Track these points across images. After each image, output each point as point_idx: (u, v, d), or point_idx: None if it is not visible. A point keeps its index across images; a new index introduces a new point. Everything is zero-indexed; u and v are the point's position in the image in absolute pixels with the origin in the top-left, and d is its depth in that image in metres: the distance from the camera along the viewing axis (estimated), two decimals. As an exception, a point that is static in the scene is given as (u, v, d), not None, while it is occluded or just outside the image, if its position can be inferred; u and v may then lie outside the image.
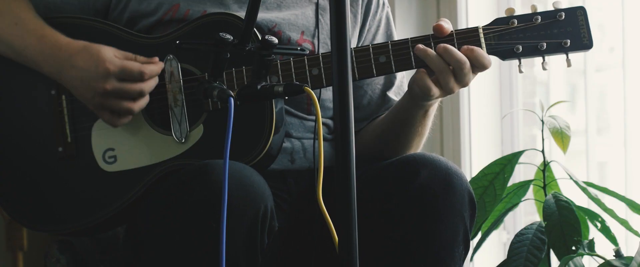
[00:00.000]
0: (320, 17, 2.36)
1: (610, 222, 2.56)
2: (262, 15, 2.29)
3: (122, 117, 2.20)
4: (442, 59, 2.16)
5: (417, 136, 2.34)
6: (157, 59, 2.20)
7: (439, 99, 2.29)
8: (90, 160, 2.25)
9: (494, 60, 2.26)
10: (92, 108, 2.20)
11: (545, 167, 2.62)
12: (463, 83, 2.17)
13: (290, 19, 2.34)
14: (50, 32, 2.24)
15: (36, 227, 2.29)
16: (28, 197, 2.28)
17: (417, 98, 2.22)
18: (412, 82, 2.20)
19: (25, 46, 2.23)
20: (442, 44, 2.16)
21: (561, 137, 2.57)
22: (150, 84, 2.19)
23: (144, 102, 2.20)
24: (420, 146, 2.40)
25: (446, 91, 2.18)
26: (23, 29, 2.24)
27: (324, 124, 2.37)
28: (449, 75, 2.16)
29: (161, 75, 2.23)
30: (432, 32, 2.20)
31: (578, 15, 2.20)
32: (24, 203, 2.28)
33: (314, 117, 2.34)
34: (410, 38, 2.20)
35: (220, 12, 2.25)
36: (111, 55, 2.18)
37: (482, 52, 2.16)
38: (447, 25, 2.20)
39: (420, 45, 2.17)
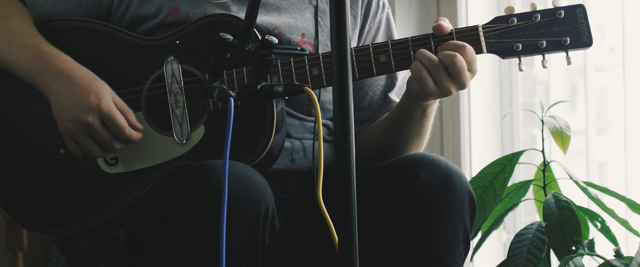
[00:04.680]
0: (320, 19, 2.36)
1: (610, 222, 2.56)
2: (262, 19, 2.30)
3: (83, 154, 2.20)
4: (438, 58, 2.16)
5: (415, 136, 2.34)
6: (142, 128, 2.20)
7: (438, 100, 2.29)
8: (92, 162, 2.25)
9: (493, 59, 2.27)
10: (62, 129, 2.19)
11: (545, 167, 2.62)
12: (459, 82, 2.16)
13: (290, 22, 2.34)
14: (49, 48, 2.23)
15: (37, 229, 2.29)
16: (29, 198, 2.28)
17: (415, 96, 2.22)
18: (411, 79, 2.20)
19: (21, 61, 2.22)
20: (427, 55, 2.16)
21: (561, 137, 2.57)
22: (119, 146, 2.19)
23: (106, 154, 2.20)
24: (421, 148, 2.39)
25: (442, 90, 2.17)
26: (18, 45, 2.24)
27: (324, 125, 2.38)
28: (442, 72, 2.15)
29: (163, 77, 2.23)
30: (432, 32, 2.21)
31: (577, 13, 2.20)
32: (25, 204, 2.28)
33: (314, 118, 2.34)
34: (410, 37, 2.21)
35: (220, 13, 2.25)
36: (109, 96, 2.18)
37: (463, 45, 2.16)
38: (447, 25, 2.20)
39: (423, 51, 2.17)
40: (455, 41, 2.17)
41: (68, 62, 2.21)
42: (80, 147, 2.20)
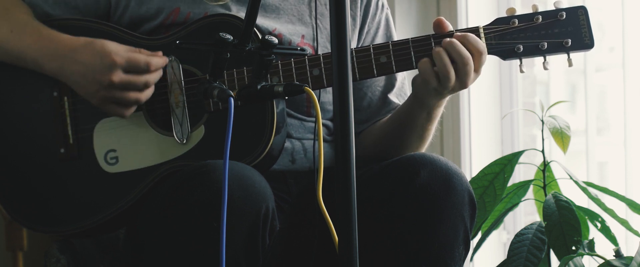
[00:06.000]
0: (319, 22, 2.37)
1: (610, 222, 2.56)
2: (261, 21, 2.30)
3: (129, 108, 2.20)
4: (447, 53, 2.16)
5: (417, 139, 2.34)
6: (160, 53, 2.20)
7: (443, 105, 2.30)
8: (92, 161, 2.25)
9: (494, 60, 2.27)
10: (96, 102, 2.19)
11: (545, 167, 2.62)
12: (462, 80, 2.17)
13: (289, 24, 2.34)
14: (49, 31, 2.24)
15: (37, 229, 2.29)
16: (29, 198, 2.28)
17: (419, 91, 2.22)
18: (417, 76, 2.20)
19: (24, 47, 2.23)
20: (447, 39, 2.17)
21: (561, 137, 2.57)
22: (155, 76, 2.19)
23: (150, 92, 2.20)
24: (422, 149, 2.39)
25: (442, 83, 2.17)
26: (20, 32, 2.24)
27: (323, 125, 2.38)
28: (449, 68, 2.16)
29: (162, 77, 2.23)
30: (432, 32, 2.21)
31: (579, 15, 2.20)
32: (25, 204, 2.28)
33: (313, 119, 2.34)
34: (411, 38, 2.21)
35: (220, 14, 2.25)
36: (116, 47, 2.18)
37: (473, 37, 2.16)
38: (447, 22, 2.21)
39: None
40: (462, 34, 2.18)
41: (64, 39, 2.21)
42: (122, 106, 2.19)
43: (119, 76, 2.16)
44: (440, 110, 2.31)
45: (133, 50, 2.19)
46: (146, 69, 2.17)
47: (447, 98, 2.28)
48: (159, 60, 2.19)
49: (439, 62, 2.16)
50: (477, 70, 2.19)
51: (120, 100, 2.18)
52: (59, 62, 2.20)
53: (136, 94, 2.18)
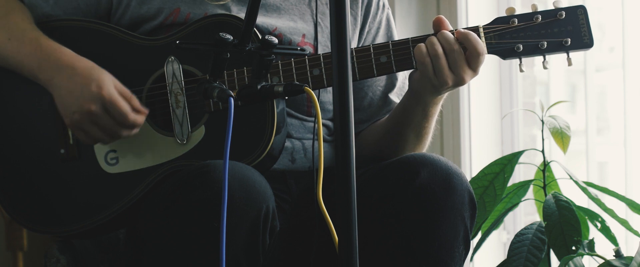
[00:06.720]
0: (320, 20, 2.37)
1: (610, 222, 2.56)
2: (262, 20, 2.30)
3: (92, 142, 2.21)
4: (439, 42, 2.17)
5: (414, 137, 2.33)
6: (146, 111, 2.19)
7: (439, 103, 2.29)
8: (92, 161, 2.25)
9: (494, 60, 2.27)
10: (68, 122, 2.19)
11: (545, 167, 2.62)
12: (456, 72, 2.17)
13: (290, 23, 2.34)
14: (49, 42, 2.24)
15: (37, 229, 2.29)
16: (30, 198, 2.28)
17: (415, 86, 2.22)
18: (413, 72, 2.21)
19: (21, 56, 2.23)
20: (443, 31, 2.18)
21: (561, 137, 2.57)
22: (125, 133, 2.18)
23: (115, 139, 2.20)
24: (422, 150, 2.39)
25: (438, 76, 2.17)
26: (18, 40, 2.24)
27: (324, 125, 2.38)
28: (442, 60, 2.16)
29: (163, 77, 2.23)
30: (432, 32, 2.21)
31: (578, 14, 2.20)
32: (25, 204, 2.28)
33: (313, 118, 2.34)
34: (411, 38, 2.21)
35: (220, 14, 2.25)
36: (110, 84, 2.17)
37: (474, 35, 2.17)
38: (447, 21, 2.21)
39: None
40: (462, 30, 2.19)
41: (67, 54, 2.22)
42: (88, 136, 2.20)
43: (96, 108, 2.16)
44: (436, 109, 2.31)
45: (125, 95, 2.18)
46: (121, 121, 2.17)
47: (444, 97, 2.28)
48: (136, 119, 2.18)
49: (430, 48, 2.16)
50: (475, 70, 2.19)
51: (87, 131, 2.19)
52: (52, 73, 2.20)
53: (100, 135, 2.18)
